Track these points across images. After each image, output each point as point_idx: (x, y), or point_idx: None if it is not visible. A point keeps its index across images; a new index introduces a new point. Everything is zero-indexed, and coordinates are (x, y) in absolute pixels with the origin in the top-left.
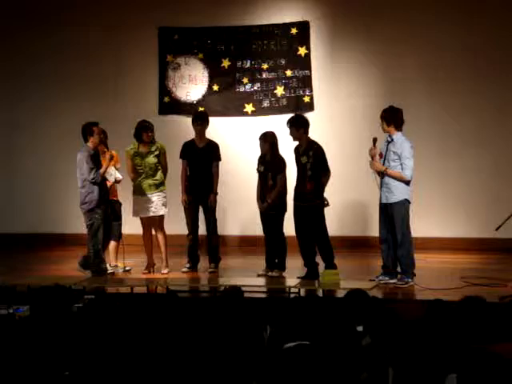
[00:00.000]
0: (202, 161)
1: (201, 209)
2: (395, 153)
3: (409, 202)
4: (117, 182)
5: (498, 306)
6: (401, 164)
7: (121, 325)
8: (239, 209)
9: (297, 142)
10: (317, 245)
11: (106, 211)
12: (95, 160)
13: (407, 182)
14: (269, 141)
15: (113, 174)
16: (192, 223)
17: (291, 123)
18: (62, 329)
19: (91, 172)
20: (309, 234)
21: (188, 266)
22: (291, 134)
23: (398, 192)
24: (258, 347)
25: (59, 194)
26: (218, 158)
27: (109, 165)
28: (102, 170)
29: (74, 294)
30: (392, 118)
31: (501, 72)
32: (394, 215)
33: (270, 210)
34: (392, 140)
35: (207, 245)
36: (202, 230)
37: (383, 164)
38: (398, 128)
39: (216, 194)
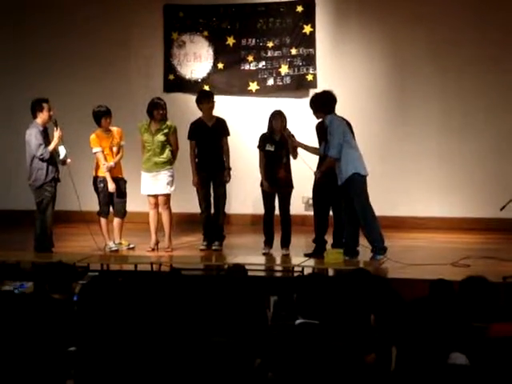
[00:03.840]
0: (213, 138)
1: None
2: (328, 135)
3: (362, 176)
4: (64, 163)
5: (501, 285)
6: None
7: (124, 302)
8: (243, 188)
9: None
10: (335, 220)
11: (55, 188)
12: (44, 137)
13: (350, 158)
14: (285, 118)
15: (62, 153)
16: (205, 201)
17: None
18: (66, 305)
19: (39, 148)
20: (327, 210)
21: (205, 243)
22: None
23: (345, 170)
24: (262, 325)
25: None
26: (228, 133)
27: (58, 142)
28: (50, 147)
29: (77, 271)
30: (317, 104)
31: (508, 55)
32: (349, 193)
33: (283, 188)
34: (326, 125)
35: (213, 222)
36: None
37: (326, 150)
38: (328, 111)
39: (230, 169)
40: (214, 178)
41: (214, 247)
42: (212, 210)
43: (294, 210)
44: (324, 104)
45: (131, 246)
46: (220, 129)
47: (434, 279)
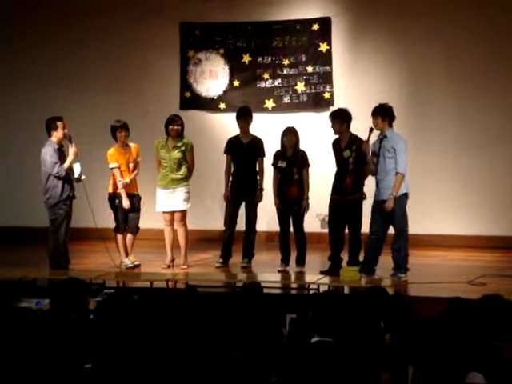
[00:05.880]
0: (247, 156)
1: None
2: (390, 149)
3: (407, 196)
4: (78, 180)
5: None
6: (395, 159)
7: (140, 319)
8: (261, 204)
9: (333, 136)
10: (350, 238)
11: (70, 206)
12: (60, 155)
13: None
14: (297, 135)
15: (76, 171)
16: (231, 219)
17: (335, 116)
18: (82, 323)
19: (55, 166)
20: (343, 227)
21: (221, 261)
22: (333, 127)
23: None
24: (278, 343)
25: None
26: (263, 154)
27: (73, 159)
28: (66, 165)
29: (91, 288)
30: (386, 114)
31: None
32: (394, 210)
33: (295, 205)
34: (385, 137)
35: (244, 239)
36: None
37: (377, 161)
38: (391, 125)
39: (262, 189)
40: (245, 197)
41: (243, 264)
42: (236, 229)
43: (309, 228)
44: (392, 117)
45: (136, 263)
46: (254, 148)
47: (451, 297)
